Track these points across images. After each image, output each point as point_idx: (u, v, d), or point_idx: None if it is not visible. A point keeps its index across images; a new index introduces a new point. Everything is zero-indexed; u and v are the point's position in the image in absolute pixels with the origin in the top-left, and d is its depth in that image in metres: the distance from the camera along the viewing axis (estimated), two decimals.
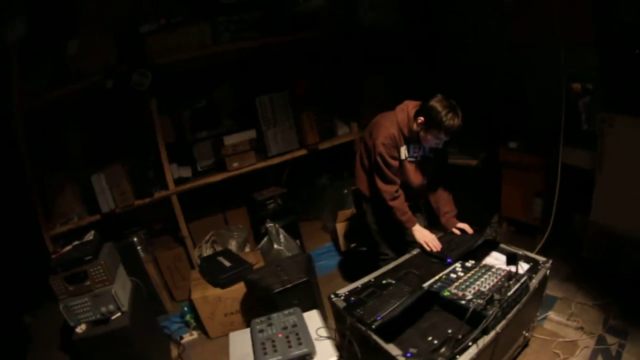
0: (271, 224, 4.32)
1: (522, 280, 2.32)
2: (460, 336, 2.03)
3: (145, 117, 3.90)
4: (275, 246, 4.22)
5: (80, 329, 2.72)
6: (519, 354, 2.75)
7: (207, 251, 4.27)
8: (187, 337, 3.67)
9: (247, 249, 4.49)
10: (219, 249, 4.31)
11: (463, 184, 3.42)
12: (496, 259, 2.73)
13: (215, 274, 3.60)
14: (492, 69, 4.47)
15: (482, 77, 4.56)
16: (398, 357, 2.01)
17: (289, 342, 2.38)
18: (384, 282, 2.60)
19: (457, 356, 1.95)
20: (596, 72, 3.51)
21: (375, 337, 2.13)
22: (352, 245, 4.06)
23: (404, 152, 2.98)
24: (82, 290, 2.74)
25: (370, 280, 2.68)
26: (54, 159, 3.87)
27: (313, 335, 2.46)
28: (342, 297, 2.53)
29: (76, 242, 2.97)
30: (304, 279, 3.15)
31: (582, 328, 3.00)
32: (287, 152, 4.58)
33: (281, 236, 4.28)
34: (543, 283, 2.56)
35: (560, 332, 3.01)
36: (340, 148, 4.96)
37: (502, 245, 2.87)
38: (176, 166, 4.17)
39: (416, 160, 3.06)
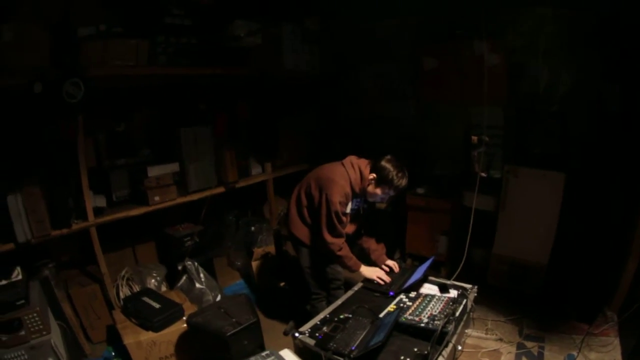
0: (190, 262, 4.09)
1: (463, 302, 2.78)
2: (426, 352, 2.25)
3: (70, 135, 3.45)
4: (197, 285, 4.00)
5: None
6: None
7: (124, 289, 3.89)
8: None
9: (164, 288, 4.19)
10: (134, 286, 3.98)
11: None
12: (430, 290, 3.10)
13: (146, 316, 3.29)
14: (396, 122, 5.01)
15: (387, 128, 4.97)
16: None
17: None
18: (341, 316, 2.71)
19: None
20: (501, 126, 4.35)
21: None
22: (282, 284, 4.02)
23: (349, 206, 3.16)
24: (17, 341, 2.34)
25: (326, 316, 2.76)
26: None
27: None
28: (307, 334, 2.54)
29: (3, 282, 2.53)
30: (255, 320, 3.11)
31: (501, 339, 3.54)
32: (206, 189, 4.46)
33: (201, 275, 4.07)
34: (473, 304, 2.96)
35: (481, 344, 3.49)
36: (250, 187, 4.98)
37: (431, 278, 3.26)
38: (91, 194, 3.71)
39: (354, 212, 3.29)
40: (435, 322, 2.44)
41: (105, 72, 3.57)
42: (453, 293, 2.95)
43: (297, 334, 2.54)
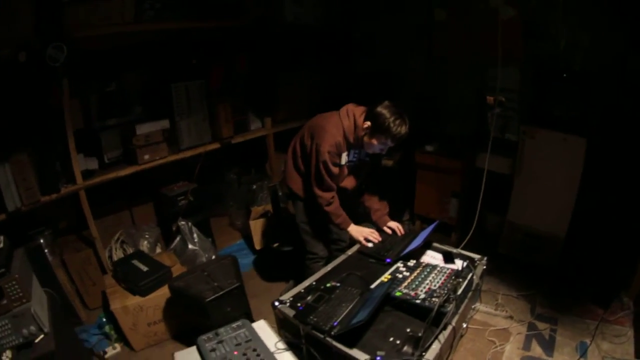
0: (183, 222, 4.07)
1: (468, 277, 2.48)
2: (421, 333, 2.06)
3: (55, 99, 3.39)
4: (190, 246, 3.99)
5: (6, 356, 2.33)
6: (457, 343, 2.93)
7: (118, 253, 3.92)
8: (110, 351, 3.34)
9: (159, 249, 4.22)
10: (129, 249, 4.00)
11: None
12: (433, 258, 2.87)
13: (132, 280, 3.31)
14: (409, 75, 4.75)
15: (397, 83, 4.73)
16: None
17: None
18: (328, 285, 2.54)
19: (424, 353, 1.99)
20: (517, 88, 4.00)
21: (336, 344, 2.07)
22: (275, 244, 3.98)
23: (344, 157, 2.97)
24: (0, 311, 2.34)
25: (312, 284, 2.61)
26: None
27: (271, 348, 2.34)
28: (288, 304, 2.42)
29: None
30: (237, 284, 3.05)
31: (511, 317, 3.33)
32: (200, 145, 4.38)
33: (195, 235, 4.06)
34: (481, 278, 2.72)
35: (490, 321, 3.30)
36: (250, 143, 4.86)
37: (435, 244, 3.01)
38: (82, 157, 3.71)
39: (353, 164, 3.08)
40: (434, 298, 2.23)
41: (90, 32, 3.42)
42: (458, 264, 2.67)
43: (277, 303, 2.45)
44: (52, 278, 3.36)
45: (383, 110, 2.73)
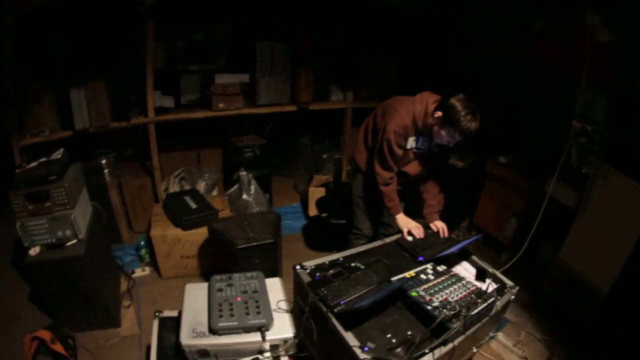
0: (244, 173, 4.20)
1: (489, 301, 2.28)
2: (418, 340, 1.96)
3: (139, 39, 3.64)
4: (244, 196, 4.12)
5: (34, 251, 2.58)
6: None
7: (174, 187, 4.15)
8: (138, 272, 3.59)
9: (215, 193, 4.39)
10: (186, 186, 4.20)
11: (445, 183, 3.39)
12: (466, 270, 2.68)
13: (178, 214, 3.49)
14: (497, 81, 4.39)
15: (485, 84, 4.46)
16: (355, 349, 1.93)
17: (247, 308, 2.32)
18: (352, 264, 2.49)
19: None
20: (602, 119, 3.50)
21: (335, 321, 2.04)
22: (324, 214, 3.99)
23: (411, 142, 2.90)
24: (42, 211, 2.58)
25: (338, 259, 2.57)
26: (36, 67, 3.57)
27: (273, 305, 2.40)
28: (308, 271, 2.41)
29: (43, 159, 2.76)
30: (271, 240, 3.10)
31: (525, 358, 3.05)
32: (276, 104, 4.46)
33: (252, 187, 4.18)
34: (505, 307, 2.54)
35: (504, 355, 3.05)
36: (329, 113, 4.86)
37: (474, 258, 2.82)
38: (159, 94, 3.95)
39: (421, 153, 2.99)
40: (444, 310, 2.07)
41: None
42: (488, 284, 2.46)
43: (298, 267, 2.46)
44: (104, 196, 3.66)
45: (456, 102, 2.61)
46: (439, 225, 3.06)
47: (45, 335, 2.53)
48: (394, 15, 4.75)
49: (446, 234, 3.03)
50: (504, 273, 2.71)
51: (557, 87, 3.87)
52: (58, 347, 2.54)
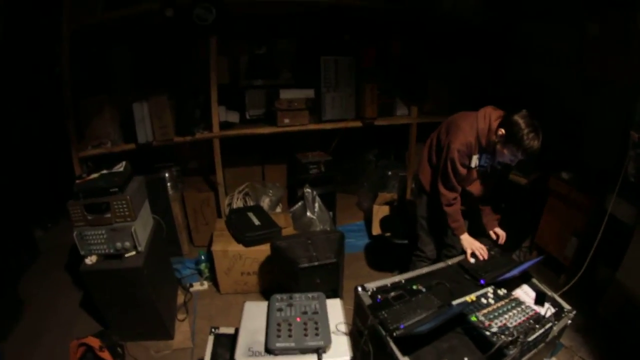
0: (309, 190, 4.13)
1: (547, 327, 2.23)
2: None
3: (203, 54, 3.70)
4: (309, 214, 4.04)
5: (90, 260, 2.60)
6: None
7: (238, 203, 4.12)
8: (196, 286, 3.58)
9: (279, 209, 4.33)
10: (250, 202, 4.17)
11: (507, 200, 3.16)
12: (525, 293, 2.57)
13: (241, 230, 3.45)
14: (557, 92, 4.13)
15: (546, 97, 4.18)
16: None
17: (305, 329, 2.18)
18: (414, 287, 2.44)
19: None
20: None
21: (393, 345, 1.98)
22: (387, 234, 3.82)
23: (475, 160, 2.80)
24: (101, 222, 2.61)
25: (400, 281, 2.52)
26: (97, 79, 3.70)
27: (332, 327, 2.26)
28: (369, 293, 2.36)
29: (105, 171, 2.80)
30: (333, 261, 3.00)
31: None
32: (341, 120, 4.37)
33: (316, 205, 4.10)
34: (561, 332, 2.42)
35: None
36: (393, 128, 4.73)
37: (534, 281, 2.69)
38: (224, 109, 3.98)
39: (484, 170, 2.88)
40: (503, 336, 2.05)
41: None
42: (546, 309, 2.41)
43: (359, 288, 2.41)
44: (166, 209, 3.68)
45: (519, 119, 2.52)
46: (499, 232, 3.03)
47: (94, 342, 2.56)
48: (455, 25, 4.57)
49: (503, 240, 3.01)
50: (562, 295, 2.61)
51: (614, 95, 3.61)
52: (106, 355, 2.56)
